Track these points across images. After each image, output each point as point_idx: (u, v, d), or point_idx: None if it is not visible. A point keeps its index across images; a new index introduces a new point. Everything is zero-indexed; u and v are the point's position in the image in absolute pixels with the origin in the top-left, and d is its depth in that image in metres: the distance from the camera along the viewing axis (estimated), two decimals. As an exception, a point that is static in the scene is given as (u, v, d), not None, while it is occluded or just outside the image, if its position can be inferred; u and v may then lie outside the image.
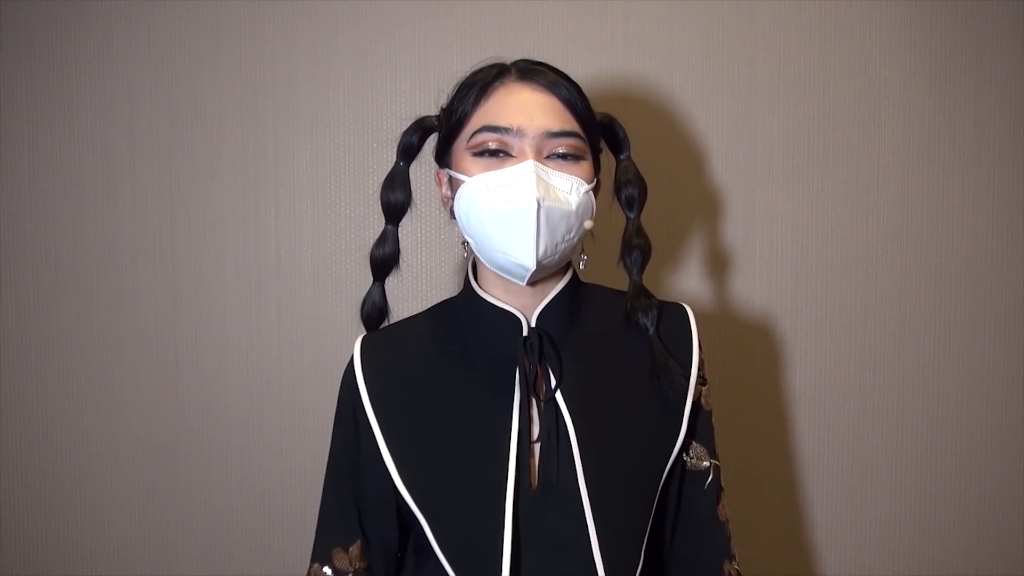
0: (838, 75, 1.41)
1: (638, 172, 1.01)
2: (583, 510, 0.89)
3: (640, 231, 1.00)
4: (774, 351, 1.42)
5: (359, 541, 0.99)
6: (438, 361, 0.97)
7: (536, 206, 0.85)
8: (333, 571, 0.98)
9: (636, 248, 0.99)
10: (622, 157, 1.02)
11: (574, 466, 0.90)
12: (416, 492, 0.92)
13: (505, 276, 0.94)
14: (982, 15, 1.41)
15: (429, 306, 1.06)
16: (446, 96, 0.99)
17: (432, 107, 1.38)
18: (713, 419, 1.02)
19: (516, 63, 0.95)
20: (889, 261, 1.43)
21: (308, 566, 1.00)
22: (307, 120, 1.40)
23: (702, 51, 1.40)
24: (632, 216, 1.00)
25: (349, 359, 1.00)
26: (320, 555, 1.00)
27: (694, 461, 0.99)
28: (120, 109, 1.40)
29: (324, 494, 1.02)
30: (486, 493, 0.90)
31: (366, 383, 0.97)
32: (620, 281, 1.03)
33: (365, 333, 1.04)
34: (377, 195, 1.38)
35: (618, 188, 1.01)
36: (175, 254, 1.41)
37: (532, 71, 0.93)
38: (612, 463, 0.92)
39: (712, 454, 1.01)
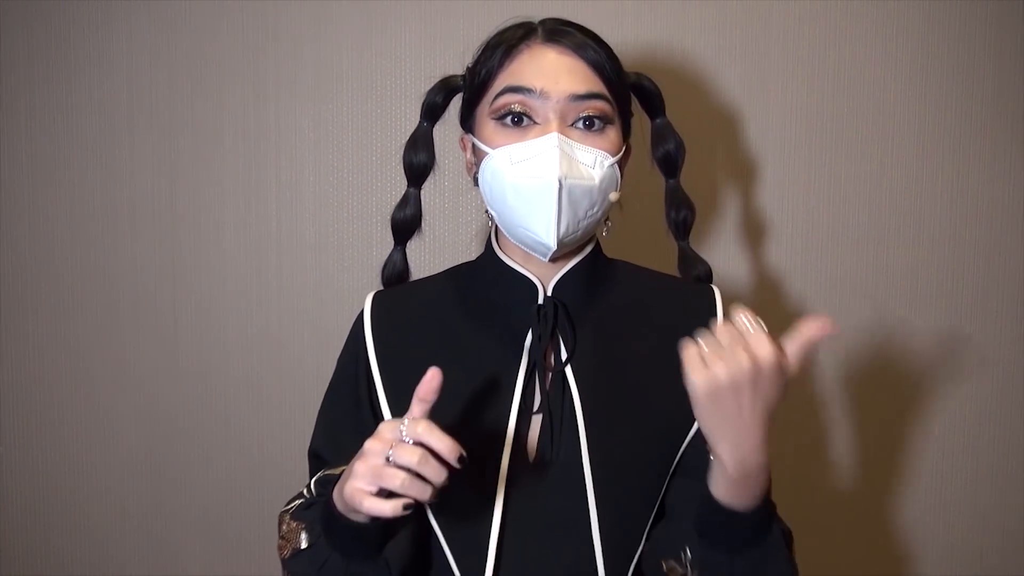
0: (853, 45, 1.37)
1: (675, 132, 1.01)
2: (585, 489, 0.87)
3: (683, 191, 1.02)
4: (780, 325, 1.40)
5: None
6: (449, 324, 0.96)
7: (558, 185, 0.84)
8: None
9: (683, 207, 1.02)
10: (657, 121, 1.01)
11: (578, 443, 0.88)
12: None
13: (527, 251, 0.92)
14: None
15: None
16: (471, 57, 0.96)
17: (436, 72, 1.35)
18: None
19: (544, 23, 0.92)
20: (903, 234, 1.41)
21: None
22: (310, 84, 1.38)
23: (714, 16, 1.36)
24: (672, 179, 1.02)
25: (360, 312, 0.98)
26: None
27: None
28: (119, 71, 1.38)
29: (321, 419, 0.99)
30: (481, 463, 0.87)
31: (374, 338, 0.95)
32: (642, 251, 1.01)
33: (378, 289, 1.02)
34: (379, 160, 1.38)
35: (655, 150, 1.01)
36: (174, 221, 1.40)
37: (559, 32, 0.90)
38: (620, 441, 0.89)
39: None
